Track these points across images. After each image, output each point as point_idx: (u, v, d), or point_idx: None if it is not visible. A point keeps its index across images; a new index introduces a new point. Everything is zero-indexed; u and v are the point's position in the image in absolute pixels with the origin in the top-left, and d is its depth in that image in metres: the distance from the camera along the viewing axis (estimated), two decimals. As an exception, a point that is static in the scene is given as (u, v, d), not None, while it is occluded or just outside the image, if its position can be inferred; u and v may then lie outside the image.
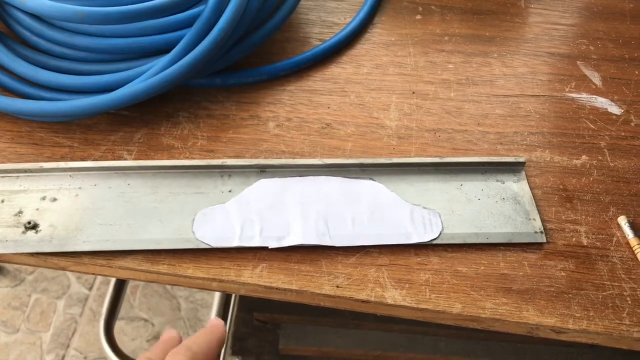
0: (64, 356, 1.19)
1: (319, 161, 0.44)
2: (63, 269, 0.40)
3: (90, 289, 1.29)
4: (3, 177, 0.43)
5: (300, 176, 0.44)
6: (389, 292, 0.39)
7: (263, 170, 0.44)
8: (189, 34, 0.46)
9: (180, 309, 1.26)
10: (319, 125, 0.49)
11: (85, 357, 1.18)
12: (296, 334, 0.69)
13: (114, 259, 0.40)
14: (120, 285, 0.83)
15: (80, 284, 1.29)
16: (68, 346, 1.20)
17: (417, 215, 0.42)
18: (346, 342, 0.65)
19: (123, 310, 1.25)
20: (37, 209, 0.41)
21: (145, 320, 1.24)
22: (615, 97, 0.53)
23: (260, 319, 0.69)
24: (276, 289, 0.39)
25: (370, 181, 0.44)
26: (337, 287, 0.39)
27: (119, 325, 1.23)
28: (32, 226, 0.40)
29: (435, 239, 0.41)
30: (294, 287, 0.39)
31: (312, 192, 0.43)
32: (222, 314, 0.93)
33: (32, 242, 0.39)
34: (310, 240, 0.40)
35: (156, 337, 1.21)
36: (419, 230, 0.41)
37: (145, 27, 0.47)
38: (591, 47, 0.57)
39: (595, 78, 0.54)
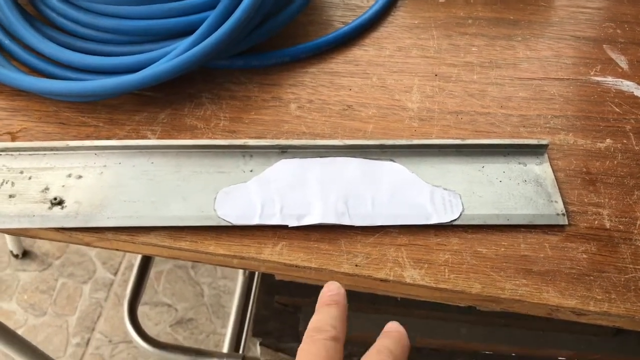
0: (89, 339, 1.21)
1: (340, 142, 0.44)
2: (87, 244, 0.41)
3: (115, 274, 1.31)
4: (31, 154, 0.44)
5: (320, 157, 0.44)
6: (407, 271, 0.39)
7: (284, 151, 0.44)
8: (211, 15, 0.47)
9: (203, 295, 1.28)
10: (340, 107, 0.49)
11: (110, 341, 1.21)
12: (316, 317, 0.69)
13: (137, 235, 0.40)
14: (144, 269, 0.85)
15: (105, 269, 1.32)
16: (93, 329, 1.23)
17: (437, 196, 0.42)
18: (365, 326, 0.65)
19: (147, 296, 1.27)
20: (63, 186, 0.42)
21: (169, 306, 1.26)
22: (642, 81, 0.52)
23: (281, 302, 0.70)
24: (296, 266, 0.39)
25: (391, 162, 0.44)
26: (356, 265, 0.39)
27: (143, 310, 1.25)
28: (58, 202, 0.41)
29: (455, 219, 0.41)
30: (313, 265, 0.39)
31: (332, 173, 0.43)
32: (245, 297, 0.94)
33: (58, 218, 0.40)
34: (330, 219, 0.40)
35: (179, 322, 1.23)
36: (439, 211, 0.41)
37: (169, 9, 0.48)
38: (618, 31, 0.56)
39: (622, 62, 0.53)
